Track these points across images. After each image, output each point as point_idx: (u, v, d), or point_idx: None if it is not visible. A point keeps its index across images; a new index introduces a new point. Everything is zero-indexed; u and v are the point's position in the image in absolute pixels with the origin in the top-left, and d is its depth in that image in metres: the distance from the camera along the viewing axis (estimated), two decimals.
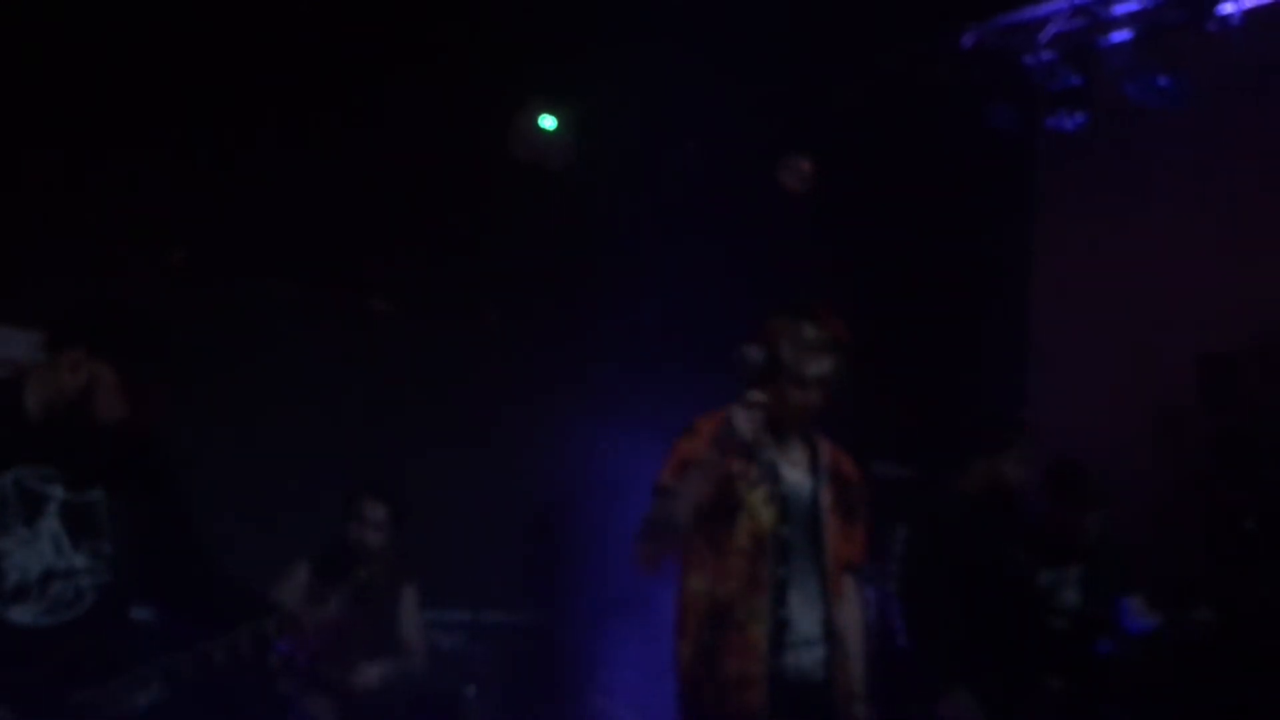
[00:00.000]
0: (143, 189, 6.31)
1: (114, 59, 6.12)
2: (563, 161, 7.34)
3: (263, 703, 5.66)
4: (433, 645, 5.93)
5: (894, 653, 4.90)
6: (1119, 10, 6.24)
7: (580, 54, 6.79)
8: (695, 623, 3.65)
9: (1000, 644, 4.83)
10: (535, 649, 6.98)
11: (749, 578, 3.59)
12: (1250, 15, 5.93)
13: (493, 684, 6.11)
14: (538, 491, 7.32)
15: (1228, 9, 5.93)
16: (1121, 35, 6.28)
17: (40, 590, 3.05)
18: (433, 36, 6.59)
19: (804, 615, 3.63)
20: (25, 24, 5.89)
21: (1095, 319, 6.88)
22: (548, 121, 7.35)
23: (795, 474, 3.73)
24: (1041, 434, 6.96)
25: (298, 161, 6.54)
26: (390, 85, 6.56)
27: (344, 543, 5.59)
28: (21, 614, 3.02)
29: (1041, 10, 6.37)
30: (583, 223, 7.22)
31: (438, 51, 6.62)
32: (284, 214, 6.61)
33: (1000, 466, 5.08)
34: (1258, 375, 6.41)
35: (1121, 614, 5.25)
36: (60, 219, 6.15)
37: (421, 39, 6.58)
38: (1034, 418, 7.12)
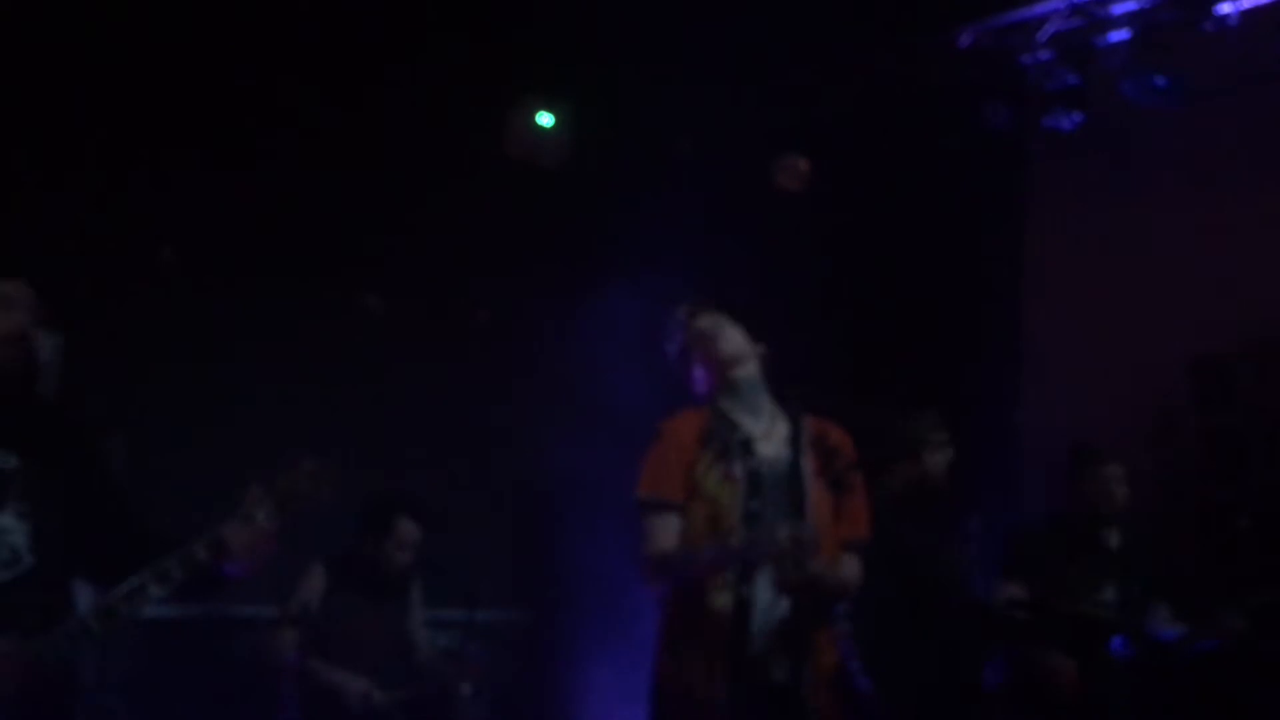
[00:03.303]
0: (132, 186, 6.29)
1: (105, 57, 6.09)
2: (558, 160, 7.33)
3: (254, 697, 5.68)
4: (429, 643, 5.94)
5: (855, 696, 4.80)
6: (1116, 10, 6.26)
7: (577, 52, 6.78)
8: (669, 612, 3.65)
9: (944, 651, 4.76)
10: (531, 647, 6.97)
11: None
12: (1248, 15, 5.94)
13: (488, 682, 6.10)
14: (532, 489, 7.31)
15: (1225, 9, 5.95)
16: (1119, 35, 6.29)
17: None
18: (428, 32, 6.57)
19: (771, 592, 3.53)
20: (16, 23, 5.86)
21: (1089, 319, 6.87)
22: (545, 119, 7.34)
23: (771, 446, 3.70)
24: (1036, 434, 7.01)
25: (290, 158, 6.53)
26: (386, 82, 6.55)
27: (371, 554, 5.59)
28: None
29: (1039, 10, 6.37)
30: (578, 221, 7.21)
31: (433, 48, 6.60)
32: (276, 211, 6.60)
33: (922, 462, 5.01)
34: (1251, 376, 6.42)
35: (1149, 621, 5.20)
36: (49, 217, 6.12)
37: (417, 35, 6.57)
38: (1028, 418, 7.16)
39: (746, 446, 3.67)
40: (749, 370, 3.79)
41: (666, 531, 3.62)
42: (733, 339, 3.81)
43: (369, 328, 7.03)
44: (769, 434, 3.73)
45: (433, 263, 7.07)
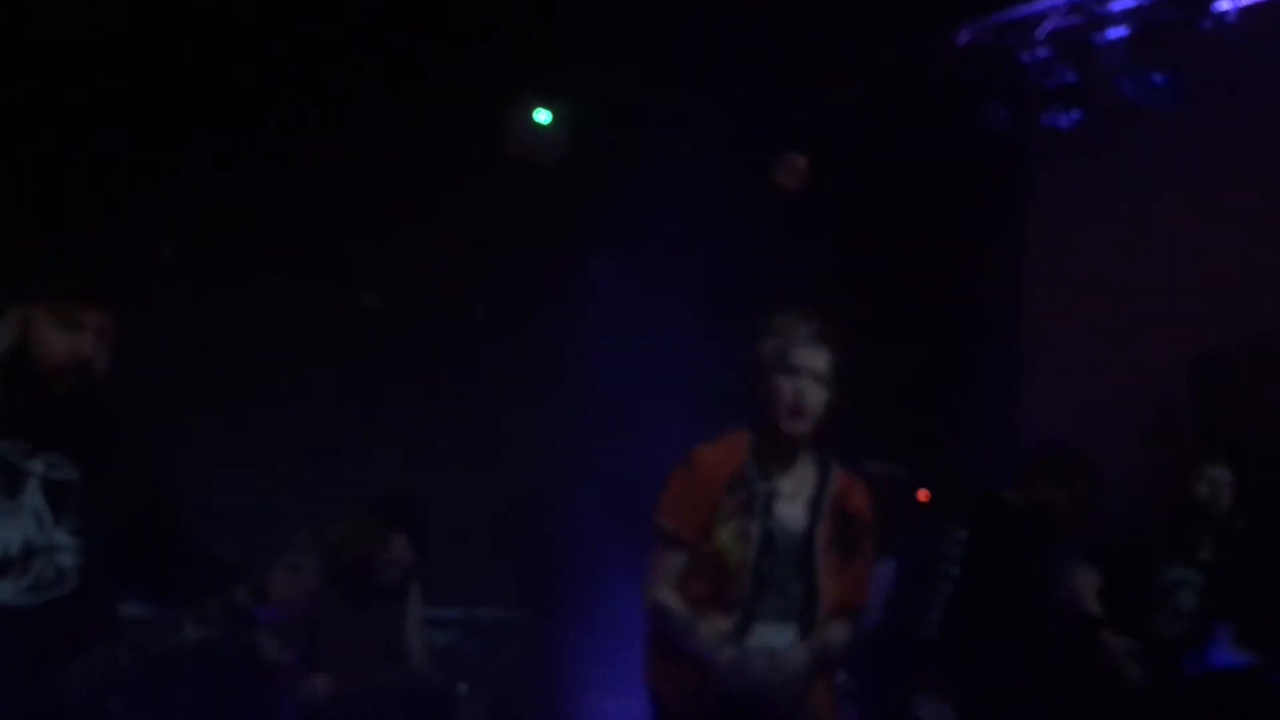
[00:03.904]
0: (132, 183, 6.29)
1: (104, 54, 6.09)
2: (556, 157, 7.32)
3: (253, 696, 5.68)
4: (426, 643, 5.92)
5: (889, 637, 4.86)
6: (1115, 7, 6.26)
7: (576, 49, 6.77)
8: (658, 634, 3.61)
9: (1000, 653, 4.78)
10: (528, 646, 6.97)
11: (708, 599, 3.53)
12: (1245, 13, 5.93)
13: (485, 681, 6.10)
14: (529, 488, 7.30)
15: (1223, 6, 5.95)
16: (1117, 32, 6.29)
17: (23, 566, 2.97)
18: (427, 30, 6.56)
19: (777, 640, 3.52)
20: (20, 21, 5.86)
21: (1088, 317, 6.86)
22: (542, 116, 7.32)
23: (791, 508, 3.60)
24: (1033, 432, 7.00)
25: (288, 155, 6.52)
26: (384, 79, 6.54)
27: (366, 566, 5.57)
28: (2, 590, 2.95)
29: (1037, 7, 6.37)
30: (575, 219, 7.20)
31: (432, 45, 6.60)
32: (274, 208, 6.59)
33: (1057, 493, 5.04)
34: (1251, 375, 6.40)
35: (1213, 639, 5.15)
36: (49, 214, 6.12)
37: (415, 33, 6.56)
38: (1027, 418, 7.15)
39: (768, 504, 3.57)
40: (806, 428, 3.59)
41: (672, 567, 3.57)
42: (813, 396, 3.56)
43: (366, 325, 7.04)
44: (795, 493, 3.62)
45: (431, 261, 7.06)
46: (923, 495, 7.03)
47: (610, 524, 6.08)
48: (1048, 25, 6.34)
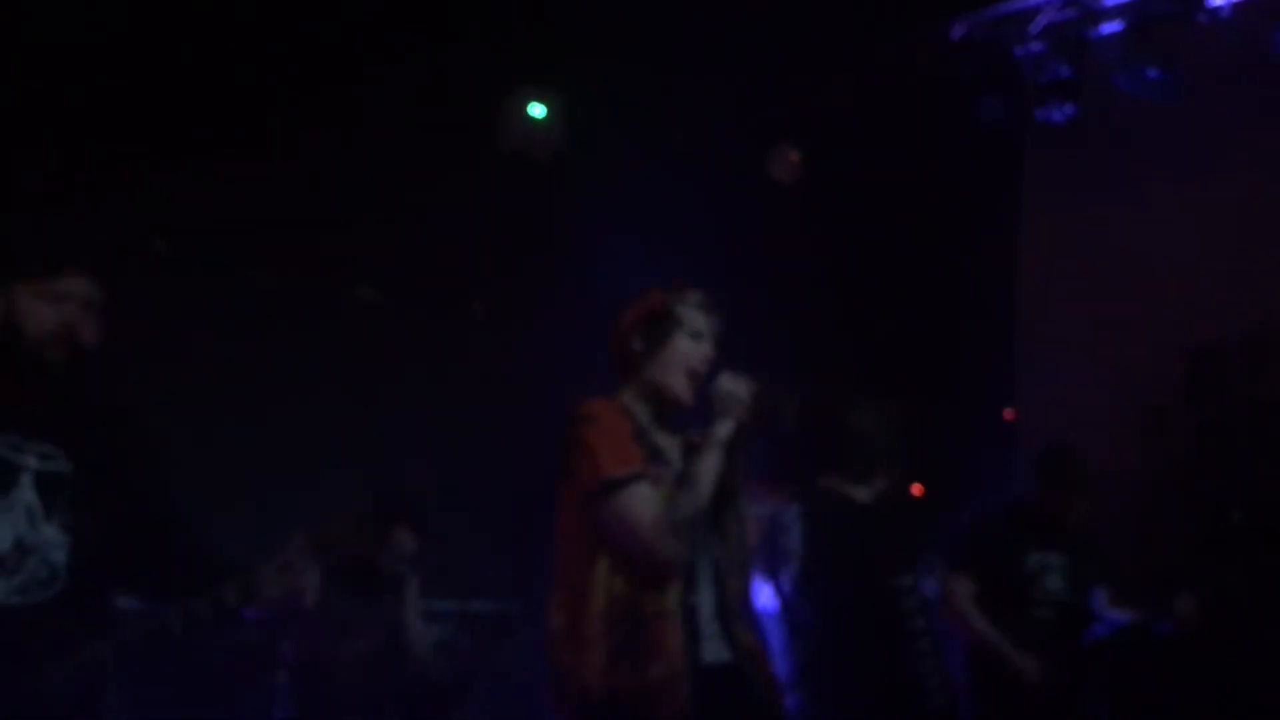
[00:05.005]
0: (124, 177, 6.28)
1: (98, 49, 6.08)
2: (551, 151, 7.32)
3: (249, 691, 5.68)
4: (423, 637, 5.93)
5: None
6: (1109, 2, 6.26)
7: (570, 43, 6.77)
8: (604, 625, 3.41)
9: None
10: (523, 639, 6.97)
11: (654, 568, 3.36)
12: (1239, 7, 5.95)
13: (482, 674, 6.10)
14: (525, 481, 7.30)
15: (1217, 1, 5.95)
16: (1112, 27, 6.30)
17: (15, 564, 2.92)
18: (421, 24, 6.56)
19: (706, 597, 3.43)
20: (17, 13, 5.86)
21: (1082, 311, 6.87)
22: (537, 110, 7.32)
23: (675, 457, 3.53)
24: (1028, 426, 7.01)
25: (282, 149, 6.52)
26: (379, 72, 6.54)
27: (367, 561, 5.56)
28: None
29: (1032, 1, 6.38)
30: (571, 213, 7.21)
31: (426, 39, 6.59)
32: (269, 201, 6.59)
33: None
34: (1244, 368, 6.42)
35: (1092, 606, 5.26)
36: (41, 209, 6.11)
37: (410, 27, 6.56)
38: (1021, 410, 7.17)
39: (660, 455, 3.50)
40: (694, 396, 3.54)
41: (651, 499, 3.35)
42: (708, 361, 3.54)
43: (364, 319, 7.05)
44: (670, 445, 3.57)
45: (426, 255, 7.07)
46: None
47: None
48: (1042, 19, 6.35)
